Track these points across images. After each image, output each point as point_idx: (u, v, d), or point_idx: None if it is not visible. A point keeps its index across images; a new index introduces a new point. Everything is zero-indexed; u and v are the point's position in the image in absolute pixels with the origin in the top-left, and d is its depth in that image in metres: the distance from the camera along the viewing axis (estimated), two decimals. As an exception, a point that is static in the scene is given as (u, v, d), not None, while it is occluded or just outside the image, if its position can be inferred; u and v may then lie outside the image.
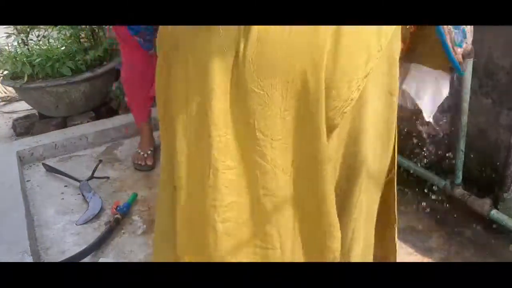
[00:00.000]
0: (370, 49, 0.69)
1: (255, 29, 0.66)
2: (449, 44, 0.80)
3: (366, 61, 0.69)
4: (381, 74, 0.74)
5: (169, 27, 0.76)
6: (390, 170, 0.88)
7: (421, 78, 0.85)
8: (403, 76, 0.87)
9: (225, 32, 0.67)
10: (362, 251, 0.88)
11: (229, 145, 0.73)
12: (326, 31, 0.66)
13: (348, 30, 0.66)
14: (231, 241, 0.77)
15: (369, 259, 0.92)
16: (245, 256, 0.79)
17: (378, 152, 0.81)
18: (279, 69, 0.67)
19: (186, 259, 0.82)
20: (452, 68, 0.84)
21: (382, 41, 0.70)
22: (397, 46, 0.76)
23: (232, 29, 0.67)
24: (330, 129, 0.73)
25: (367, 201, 0.84)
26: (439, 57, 0.82)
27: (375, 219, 0.90)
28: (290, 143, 0.72)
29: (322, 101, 0.68)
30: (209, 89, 0.69)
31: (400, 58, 0.77)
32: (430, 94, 0.87)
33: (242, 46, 0.67)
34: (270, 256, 0.80)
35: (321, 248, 0.80)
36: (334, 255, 0.80)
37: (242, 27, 0.66)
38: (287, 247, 0.79)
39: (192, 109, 0.74)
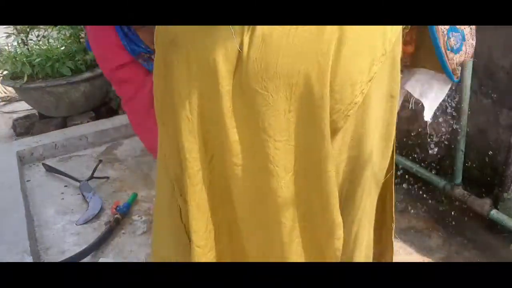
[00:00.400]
0: (375, 53, 0.69)
1: (260, 30, 0.65)
2: (442, 49, 0.79)
3: (370, 65, 0.69)
4: (383, 77, 0.74)
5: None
6: (388, 171, 0.88)
7: (426, 80, 0.85)
8: (406, 78, 0.87)
9: (228, 31, 0.66)
10: (364, 251, 0.88)
11: (236, 142, 0.73)
12: (331, 34, 0.65)
13: (353, 34, 0.66)
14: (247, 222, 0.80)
15: (370, 259, 0.93)
16: (255, 245, 0.81)
17: (379, 155, 0.81)
18: (283, 72, 0.66)
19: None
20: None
21: (386, 44, 0.69)
22: (399, 49, 0.76)
23: (236, 28, 0.66)
24: (334, 132, 0.73)
25: (369, 202, 0.85)
26: (437, 61, 0.82)
27: (374, 219, 0.90)
28: (293, 144, 0.72)
29: (327, 105, 0.68)
30: (217, 88, 0.69)
31: (406, 63, 0.77)
32: (434, 93, 0.87)
33: (246, 46, 0.66)
34: (272, 254, 0.80)
35: (323, 247, 0.80)
36: (335, 255, 0.80)
37: (246, 26, 0.66)
38: (287, 246, 0.79)
39: (196, 107, 0.73)
